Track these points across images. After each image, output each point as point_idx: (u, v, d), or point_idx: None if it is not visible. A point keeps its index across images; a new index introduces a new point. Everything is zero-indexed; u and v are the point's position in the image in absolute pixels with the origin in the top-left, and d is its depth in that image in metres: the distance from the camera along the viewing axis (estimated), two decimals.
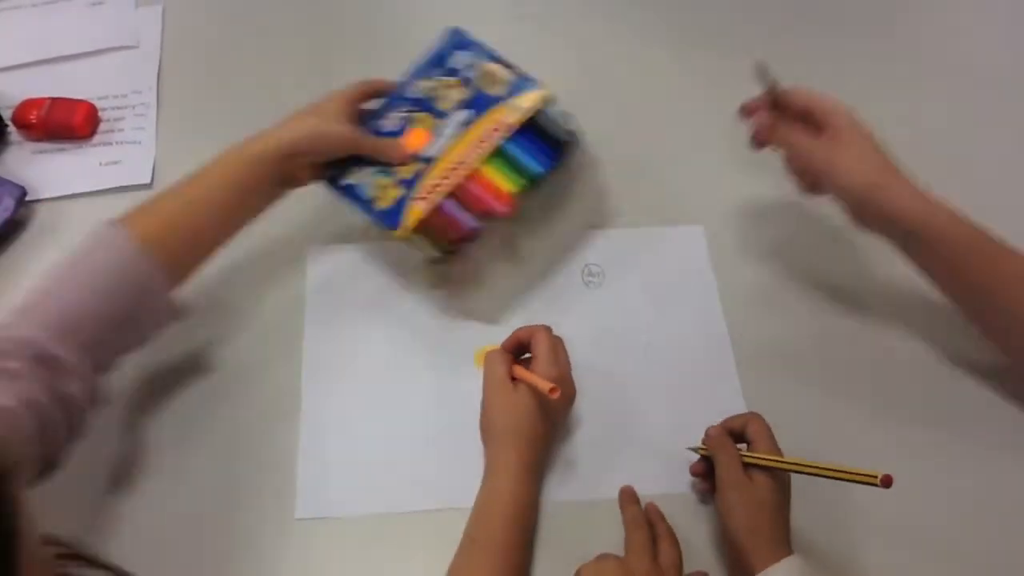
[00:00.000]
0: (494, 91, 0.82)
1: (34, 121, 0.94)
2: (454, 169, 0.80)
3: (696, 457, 0.75)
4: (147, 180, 0.92)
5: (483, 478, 0.72)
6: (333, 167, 0.81)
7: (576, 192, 0.92)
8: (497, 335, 0.80)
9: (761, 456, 0.69)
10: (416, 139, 0.82)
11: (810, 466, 0.67)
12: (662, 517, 0.73)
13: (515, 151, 0.81)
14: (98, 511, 0.75)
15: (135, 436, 0.79)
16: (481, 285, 0.87)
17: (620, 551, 0.71)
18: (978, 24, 1.06)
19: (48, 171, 0.93)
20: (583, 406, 0.79)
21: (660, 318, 0.84)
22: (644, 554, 0.69)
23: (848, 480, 0.64)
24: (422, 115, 0.83)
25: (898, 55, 1.02)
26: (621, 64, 1.02)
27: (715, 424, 0.73)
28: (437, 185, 0.79)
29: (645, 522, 0.72)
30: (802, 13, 1.06)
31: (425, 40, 0.88)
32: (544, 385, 0.71)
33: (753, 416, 0.72)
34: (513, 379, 0.75)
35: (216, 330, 0.83)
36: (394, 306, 0.85)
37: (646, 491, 0.76)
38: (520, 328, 0.78)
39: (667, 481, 0.76)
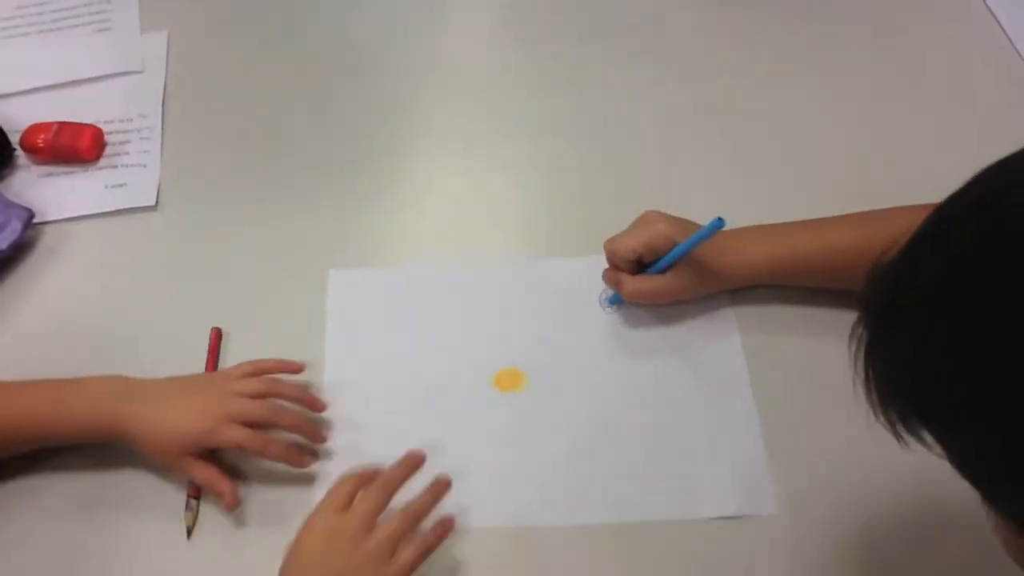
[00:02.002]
0: None
1: (41, 145, 0.96)
2: None
3: None
4: (152, 202, 0.94)
5: None
6: None
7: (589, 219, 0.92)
8: (516, 358, 0.82)
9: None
10: None
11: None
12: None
13: None
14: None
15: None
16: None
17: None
18: None
19: (55, 194, 0.95)
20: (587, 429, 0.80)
21: (677, 346, 0.84)
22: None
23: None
24: None
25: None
26: (617, 88, 1.04)
27: None
28: None
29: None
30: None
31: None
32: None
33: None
34: None
35: (236, 356, 0.83)
36: (414, 330, 0.86)
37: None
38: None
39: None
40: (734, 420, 0.79)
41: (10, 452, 0.76)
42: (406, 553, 0.65)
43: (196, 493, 0.75)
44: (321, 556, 0.65)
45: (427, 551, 0.67)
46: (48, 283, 0.90)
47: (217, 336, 0.84)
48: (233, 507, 0.73)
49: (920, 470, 0.74)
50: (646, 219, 0.81)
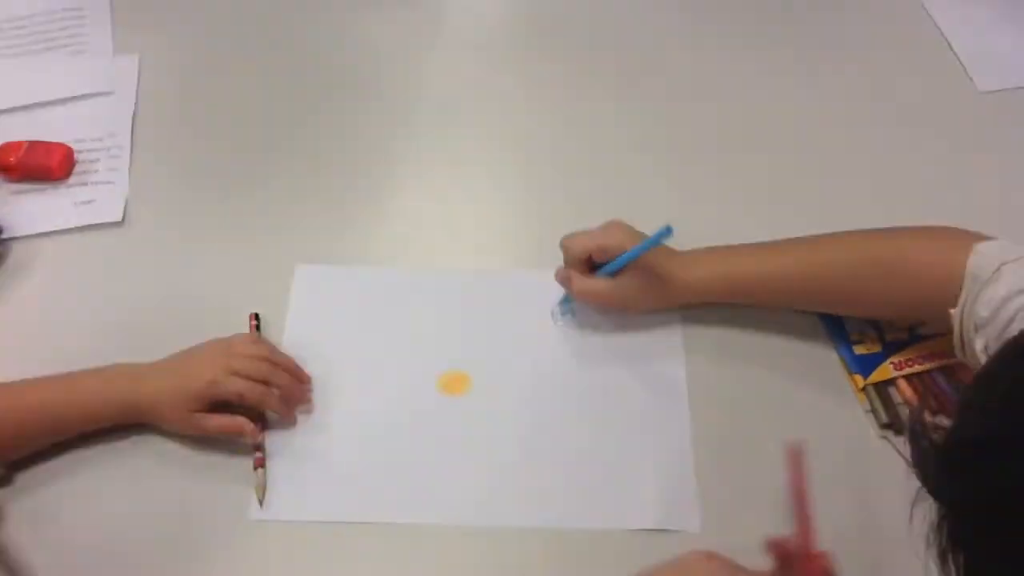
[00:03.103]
0: None
1: (13, 163, 0.99)
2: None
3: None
4: (118, 218, 0.97)
5: None
6: None
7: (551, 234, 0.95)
8: (464, 363, 0.85)
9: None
10: None
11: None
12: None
13: None
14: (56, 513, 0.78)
15: (100, 437, 0.82)
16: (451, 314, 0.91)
17: None
18: None
19: (25, 210, 0.97)
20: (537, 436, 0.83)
21: (622, 360, 0.87)
22: None
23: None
24: None
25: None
26: (579, 101, 1.08)
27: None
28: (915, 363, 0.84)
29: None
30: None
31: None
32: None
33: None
34: None
35: (198, 340, 0.84)
36: (372, 326, 0.89)
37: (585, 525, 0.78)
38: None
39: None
40: (668, 436, 0.82)
41: (27, 447, 0.80)
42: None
43: (261, 463, 0.80)
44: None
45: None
46: (18, 296, 0.92)
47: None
48: (255, 436, 0.80)
49: (853, 491, 0.78)
50: (606, 224, 0.85)
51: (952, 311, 0.73)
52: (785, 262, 0.84)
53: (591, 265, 0.86)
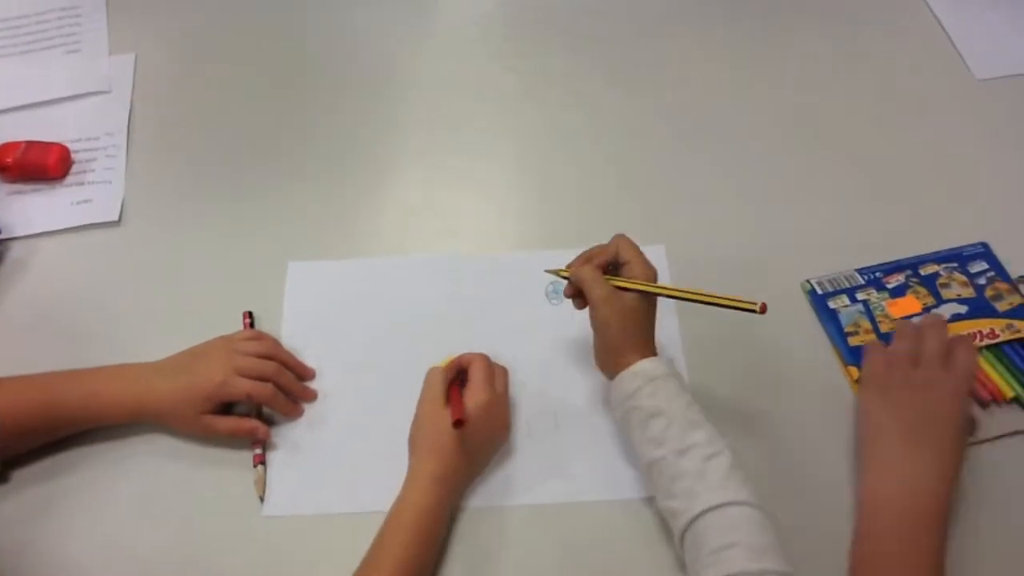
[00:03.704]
0: (1000, 306, 0.86)
1: (10, 163, 0.99)
2: None
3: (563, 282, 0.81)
4: (115, 218, 0.97)
5: (403, 484, 0.76)
6: None
7: (542, 212, 0.98)
8: (461, 349, 0.84)
9: (631, 281, 0.76)
10: (908, 304, 0.88)
11: (682, 292, 0.76)
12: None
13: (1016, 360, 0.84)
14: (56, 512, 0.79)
15: (107, 433, 0.82)
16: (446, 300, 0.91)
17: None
18: None
19: (23, 210, 0.98)
20: (537, 417, 0.84)
21: None
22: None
23: (725, 306, 0.73)
24: (921, 289, 0.88)
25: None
26: (572, 92, 1.08)
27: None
28: None
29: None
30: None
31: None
32: (451, 412, 0.76)
33: (621, 238, 0.79)
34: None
35: (194, 337, 0.85)
36: (368, 318, 0.90)
37: (588, 497, 0.79)
38: (463, 354, 0.83)
39: (611, 488, 0.79)
40: None
41: (26, 443, 0.80)
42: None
43: (260, 459, 0.81)
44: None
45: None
46: (15, 296, 0.93)
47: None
48: (265, 437, 0.81)
49: (852, 481, 0.78)
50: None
51: None
52: None
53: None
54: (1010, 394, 0.81)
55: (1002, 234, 0.91)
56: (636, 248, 0.78)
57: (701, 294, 0.75)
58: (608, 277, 0.77)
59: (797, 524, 0.70)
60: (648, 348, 0.76)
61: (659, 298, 0.77)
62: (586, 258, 0.80)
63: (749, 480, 0.69)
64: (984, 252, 0.91)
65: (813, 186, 0.98)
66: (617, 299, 0.75)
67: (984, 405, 0.81)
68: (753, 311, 0.71)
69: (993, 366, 0.83)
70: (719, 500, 0.67)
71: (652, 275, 0.77)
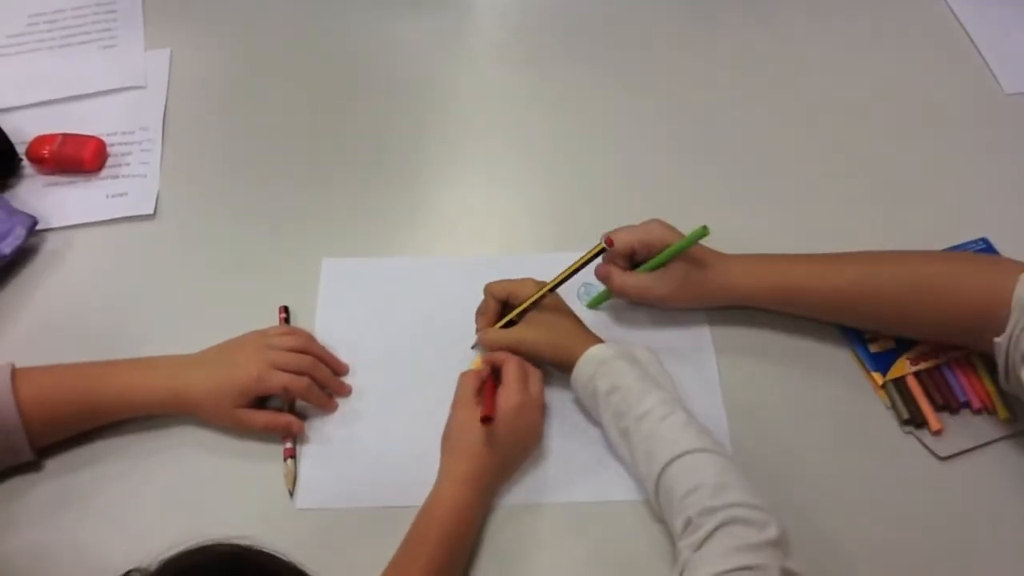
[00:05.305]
0: None
1: (47, 155, 1.00)
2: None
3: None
4: (150, 211, 0.98)
5: (434, 483, 0.77)
6: None
7: (573, 214, 0.98)
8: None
9: (521, 305, 0.84)
10: None
11: (554, 282, 0.84)
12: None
13: None
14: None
15: (141, 424, 0.83)
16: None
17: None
18: None
19: (58, 202, 0.99)
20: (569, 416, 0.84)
21: (652, 333, 0.89)
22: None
23: (583, 264, 0.85)
24: None
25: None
26: (610, 107, 1.09)
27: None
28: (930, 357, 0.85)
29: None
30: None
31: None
32: (482, 408, 0.77)
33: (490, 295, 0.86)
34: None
35: (228, 331, 0.86)
36: (401, 316, 0.91)
37: (621, 497, 0.80)
38: (498, 353, 0.83)
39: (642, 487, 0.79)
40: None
41: (60, 432, 0.81)
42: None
43: (291, 453, 0.81)
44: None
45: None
46: (51, 287, 0.94)
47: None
48: (299, 432, 0.82)
49: (879, 487, 0.79)
50: (647, 222, 0.86)
51: (997, 340, 0.73)
52: (837, 279, 0.83)
53: (631, 262, 0.87)
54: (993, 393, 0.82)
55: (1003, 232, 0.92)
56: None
57: (563, 275, 0.85)
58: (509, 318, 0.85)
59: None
60: (590, 338, 0.82)
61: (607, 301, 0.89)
62: (486, 321, 0.86)
63: (706, 432, 0.73)
64: (985, 248, 0.91)
65: (841, 196, 0.99)
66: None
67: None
68: (604, 250, 0.84)
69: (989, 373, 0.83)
70: (676, 451, 0.71)
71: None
